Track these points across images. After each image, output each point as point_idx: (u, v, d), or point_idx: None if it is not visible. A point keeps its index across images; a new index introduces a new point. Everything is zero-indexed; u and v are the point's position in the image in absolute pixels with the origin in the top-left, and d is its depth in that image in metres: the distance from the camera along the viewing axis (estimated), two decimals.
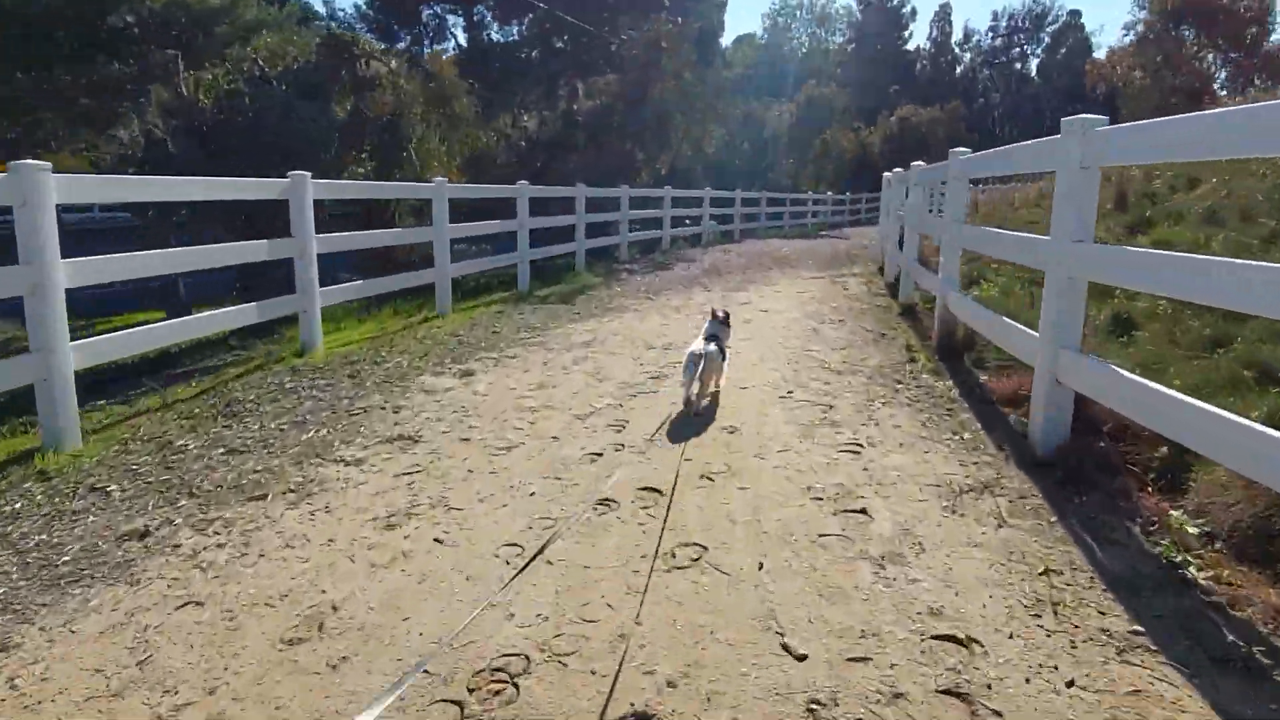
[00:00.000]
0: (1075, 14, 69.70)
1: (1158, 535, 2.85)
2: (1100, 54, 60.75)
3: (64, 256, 4.58)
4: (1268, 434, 2.28)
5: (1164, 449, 3.31)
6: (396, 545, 3.06)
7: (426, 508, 3.42)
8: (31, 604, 2.74)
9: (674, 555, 2.90)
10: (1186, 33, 45.14)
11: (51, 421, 4.35)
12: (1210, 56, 46.81)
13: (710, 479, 3.66)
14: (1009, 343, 4.30)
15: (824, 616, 2.46)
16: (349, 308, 11.40)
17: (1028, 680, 2.13)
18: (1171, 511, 2.93)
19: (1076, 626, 2.33)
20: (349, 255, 14.93)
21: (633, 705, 2.10)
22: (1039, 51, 71.57)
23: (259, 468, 4.00)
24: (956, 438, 4.09)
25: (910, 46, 70.51)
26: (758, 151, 37.11)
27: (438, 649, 2.36)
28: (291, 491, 3.66)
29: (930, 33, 72.01)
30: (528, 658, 2.31)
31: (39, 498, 3.72)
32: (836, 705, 2.07)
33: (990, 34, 72.82)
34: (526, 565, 2.80)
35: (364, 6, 30.81)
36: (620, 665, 2.24)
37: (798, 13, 66.37)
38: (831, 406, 4.80)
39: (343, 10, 30.57)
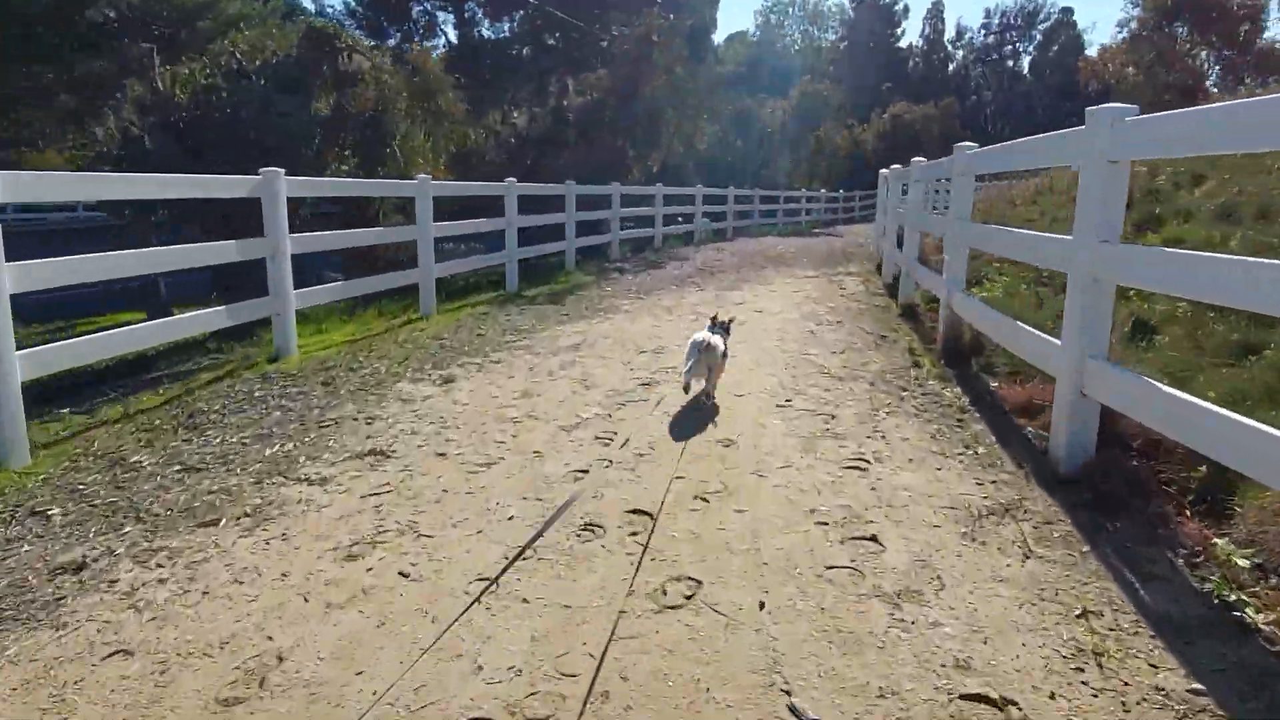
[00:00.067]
0: (1067, 11, 69.60)
1: (1204, 569, 2.56)
2: (1092, 51, 60.73)
3: (49, 255, 4.28)
4: None
5: (1203, 468, 3.02)
6: (357, 580, 2.75)
7: (394, 534, 3.11)
8: None
9: (664, 592, 2.60)
10: (1180, 29, 45.05)
11: None
12: (1203, 54, 46.74)
13: (705, 500, 3.36)
14: (1026, 350, 4.01)
15: (835, 670, 2.16)
16: (331, 309, 11.06)
17: None
18: (1216, 541, 2.64)
19: (1126, 684, 2.03)
20: (335, 255, 14.61)
21: None
22: (1031, 49, 71.44)
23: (215, 488, 3.68)
24: (970, 452, 3.80)
25: (903, 44, 70.30)
26: (751, 149, 36.80)
27: (392, 713, 2.05)
28: (247, 516, 3.35)
29: (923, 30, 71.83)
30: None
31: None
32: None
33: (983, 31, 72.68)
34: (463, 613, 2.50)
35: (353, 3, 30.39)
36: None
37: (790, 10, 66.08)
38: (833, 417, 4.51)
39: (331, 6, 30.06)
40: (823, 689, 2.08)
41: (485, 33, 31.18)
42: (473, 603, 2.56)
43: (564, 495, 3.45)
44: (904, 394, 4.94)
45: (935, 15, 71.03)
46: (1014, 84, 70.65)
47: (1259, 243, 5.50)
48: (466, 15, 30.71)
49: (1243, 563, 2.50)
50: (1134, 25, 45.84)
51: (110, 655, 2.37)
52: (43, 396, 6.99)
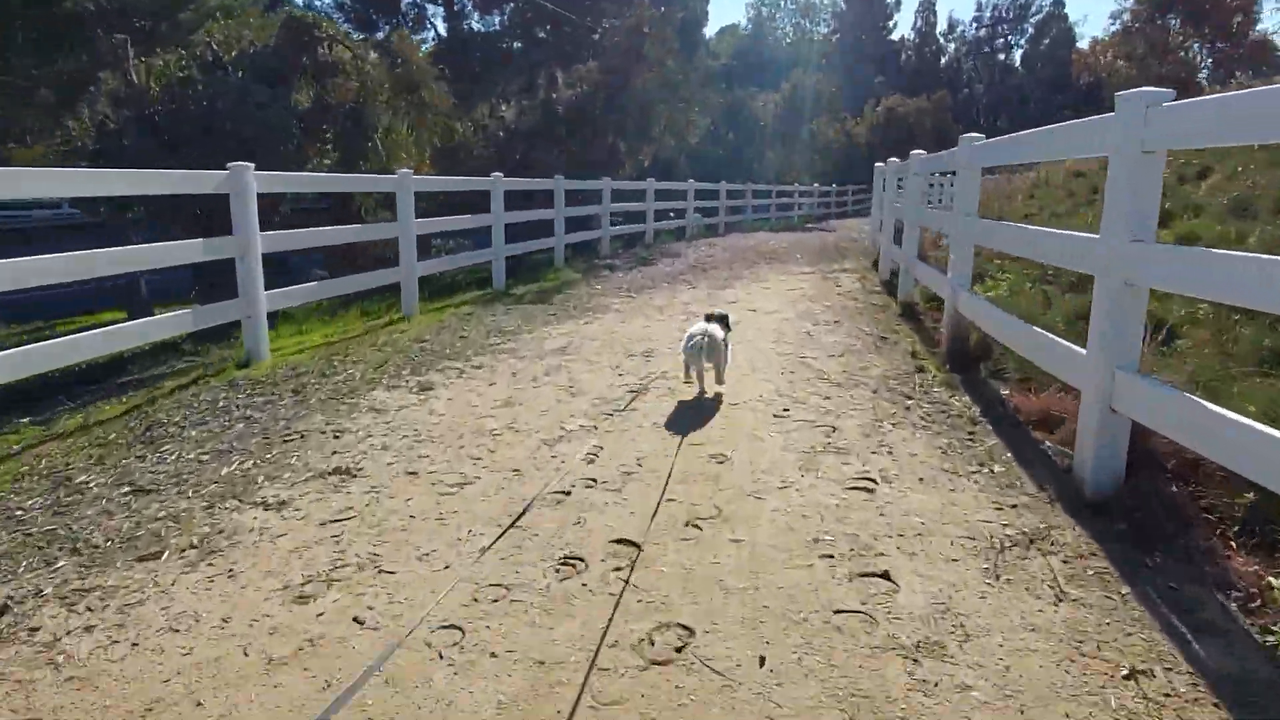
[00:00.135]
0: (1058, 4, 69.29)
1: (1261, 614, 2.27)
2: (1083, 44, 60.57)
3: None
4: None
5: (1250, 494, 2.73)
6: (305, 628, 2.44)
7: (352, 570, 2.80)
8: None
9: (651, 642, 2.30)
10: (1173, 21, 44.88)
11: None
12: (1195, 46, 46.60)
13: (697, 526, 3.06)
14: (1044, 358, 3.71)
15: None
16: (312, 309, 10.73)
17: None
18: (1273, 582, 2.34)
19: None
20: (319, 252, 14.23)
21: None
22: (1023, 42, 71.14)
23: (163, 514, 3.36)
24: (985, 471, 3.50)
25: (895, 37, 70.01)
26: (742, 142, 36.44)
27: None
28: (193, 547, 3.03)
29: (915, 23, 71.61)
30: None
31: None
32: None
33: (974, 24, 72.35)
34: (421, 672, 2.19)
35: None
36: None
37: (782, 2, 65.63)
38: (835, 428, 4.21)
39: (319, 0, 29.53)
40: None
41: (475, 26, 30.80)
42: (433, 657, 2.25)
43: (543, 521, 3.14)
44: (909, 402, 4.65)
45: (927, 8, 70.72)
46: (1006, 77, 70.41)
47: (1277, 238, 5.22)
48: (456, 8, 30.32)
49: None
50: (1127, 17, 45.65)
51: None
52: (6, 403, 6.67)
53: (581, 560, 2.81)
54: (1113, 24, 46.73)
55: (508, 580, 2.68)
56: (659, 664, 2.19)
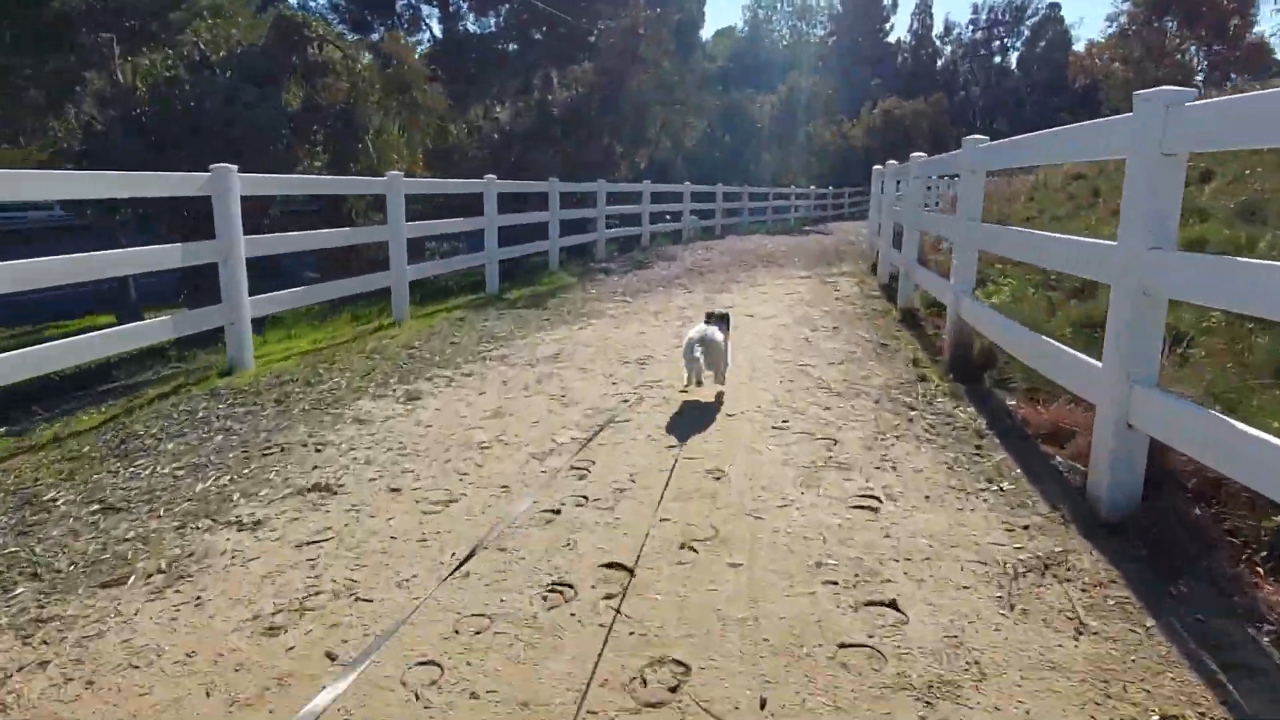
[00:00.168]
0: (1054, 7, 69.38)
1: None
2: (1079, 47, 60.57)
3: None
4: None
5: (1278, 517, 2.58)
6: (273, 664, 2.28)
7: (327, 598, 2.63)
8: None
9: (644, 681, 2.14)
10: (1169, 24, 44.86)
11: None
12: (1192, 48, 46.60)
13: (693, 549, 2.90)
14: (1056, 370, 3.55)
15: None
16: (302, 313, 10.55)
17: None
18: None
19: None
20: (313, 255, 14.04)
21: None
22: (1019, 45, 71.18)
23: (131, 534, 3.20)
24: (994, 489, 3.35)
25: (891, 39, 70.09)
26: (739, 145, 36.29)
27: None
28: (161, 572, 2.86)
29: (911, 25, 71.62)
30: None
31: None
32: None
33: (970, 27, 72.42)
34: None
35: None
36: None
37: (778, 4, 65.51)
38: (836, 441, 4.05)
39: (314, 0, 29.37)
40: None
41: (470, 27, 30.71)
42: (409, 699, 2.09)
43: (530, 543, 2.98)
44: (912, 414, 4.50)
45: (923, 10, 70.82)
46: (1002, 80, 70.48)
47: None
48: (451, 9, 30.21)
49: None
50: (1123, 20, 45.60)
51: None
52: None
53: (570, 587, 2.65)
54: (1109, 26, 46.62)
55: (491, 609, 2.53)
56: (652, 706, 2.04)
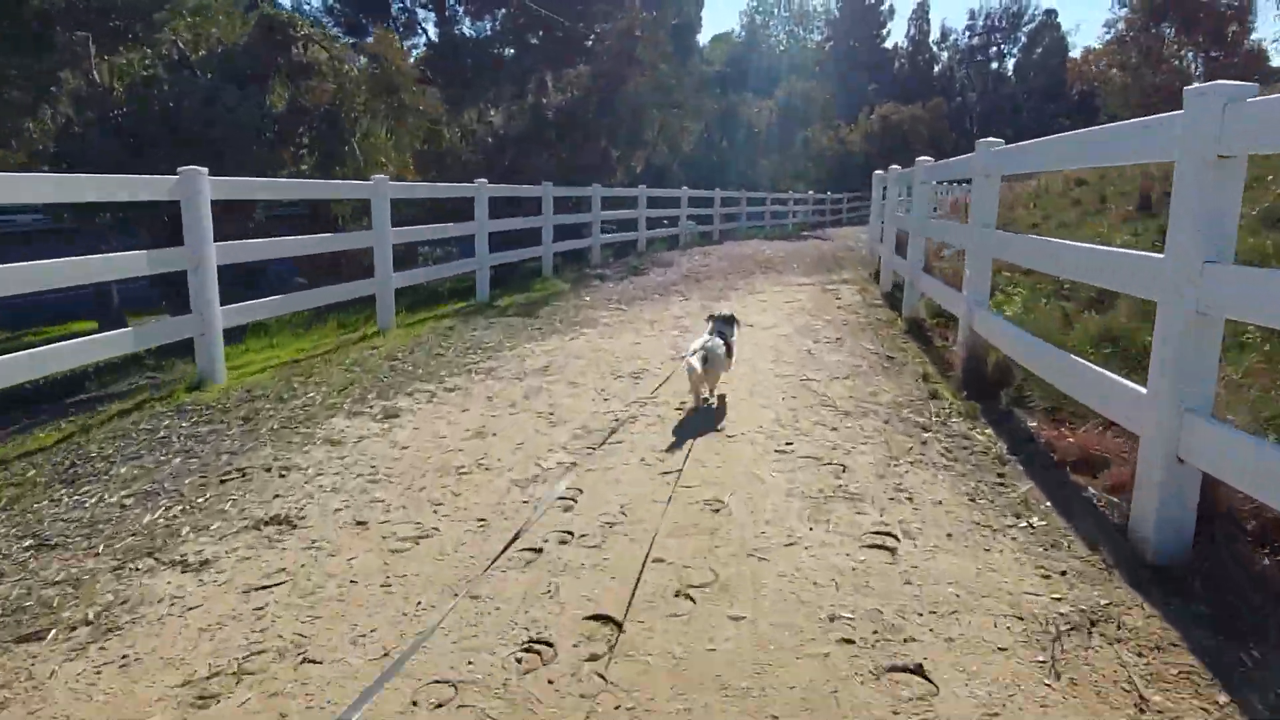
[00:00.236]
0: (1051, 13, 69.43)
1: None
2: (1075, 54, 60.50)
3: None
4: None
5: None
6: None
7: (271, 658, 2.30)
8: None
9: None
10: (1167, 30, 44.75)
11: None
12: (1189, 55, 46.50)
13: (690, 597, 2.58)
14: (1090, 394, 3.22)
15: None
16: (287, 320, 10.23)
17: None
18: None
19: None
20: (302, 261, 13.68)
21: None
22: (1016, 51, 71.18)
23: (62, 576, 2.86)
24: (1023, 525, 3.02)
25: (888, 45, 69.99)
26: (736, 149, 36.02)
27: None
28: (88, 623, 2.53)
29: (908, 31, 71.59)
30: None
31: None
32: None
33: (967, 33, 72.35)
34: None
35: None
36: None
37: (775, 10, 65.34)
38: (845, 468, 3.73)
39: (308, 4, 29.04)
40: None
41: (466, 31, 30.37)
42: None
43: (507, 589, 2.66)
44: (925, 435, 4.17)
45: (920, 16, 70.83)
46: (999, 86, 70.41)
47: None
48: (447, 13, 29.90)
49: None
50: (1121, 26, 45.45)
51: None
52: None
53: (550, 645, 2.33)
54: (1107, 32, 46.45)
55: (458, 674, 2.20)
56: None
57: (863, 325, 7.73)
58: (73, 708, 2.11)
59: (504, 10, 27.55)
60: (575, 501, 3.41)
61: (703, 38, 42.66)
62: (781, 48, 61.06)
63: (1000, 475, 3.54)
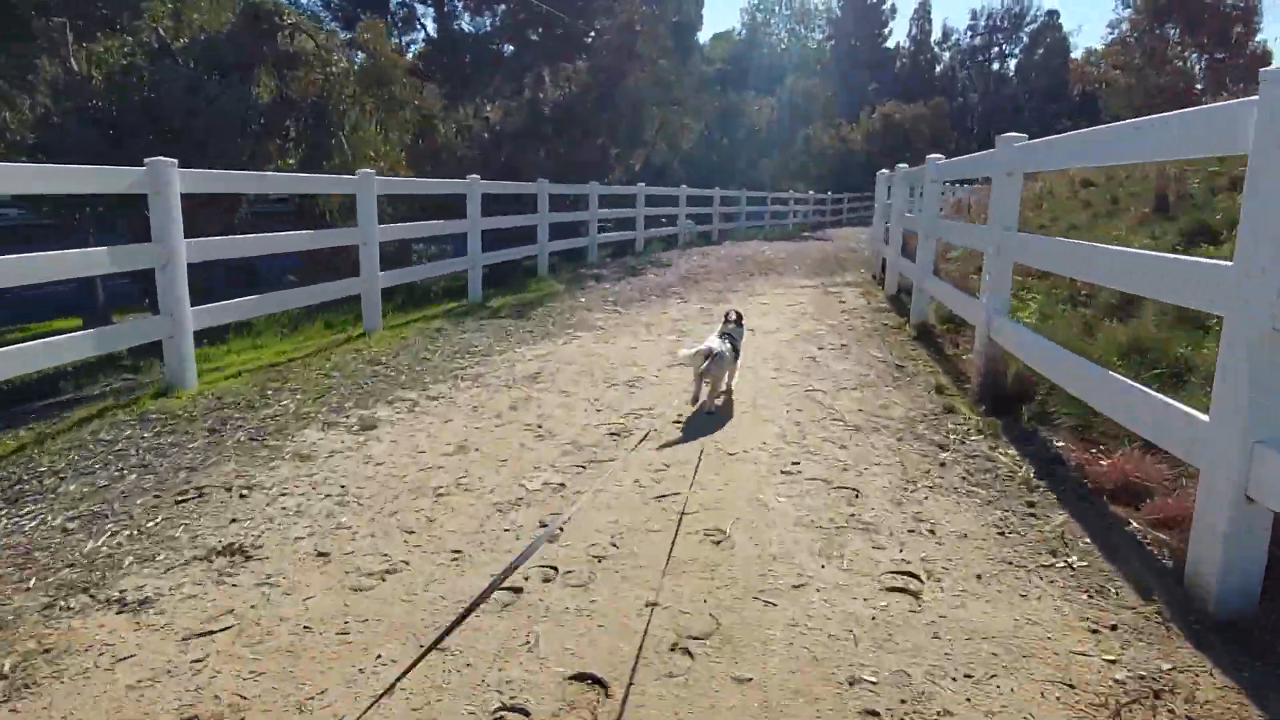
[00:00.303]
0: (1053, 14, 69.09)
1: None
2: (1077, 54, 60.21)
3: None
4: None
5: None
6: None
7: None
8: None
9: None
10: (1171, 31, 44.50)
11: None
12: (1194, 56, 46.27)
13: (688, 652, 2.26)
14: (1138, 420, 2.85)
15: None
16: (274, 319, 9.90)
17: None
18: None
19: None
20: (292, 257, 13.34)
21: None
22: (1017, 51, 70.85)
23: None
24: (1061, 565, 2.70)
25: (890, 44, 69.66)
26: (737, 148, 35.65)
27: None
28: (2, 678, 2.21)
29: (910, 30, 71.29)
30: None
31: None
32: None
33: (969, 33, 72.00)
34: None
35: None
36: None
37: (776, 8, 64.96)
38: (857, 493, 3.41)
39: None
40: None
41: (466, 26, 30.05)
42: None
43: (480, 640, 2.34)
44: (944, 455, 3.86)
45: (922, 16, 70.55)
46: (1000, 86, 70.11)
47: None
48: (446, 8, 29.58)
49: None
50: (1125, 26, 45.18)
51: None
52: None
53: (525, 715, 2.01)
54: (1110, 33, 46.20)
55: None
56: None
57: (869, 330, 7.41)
58: None
59: (504, 6, 27.22)
60: (561, 530, 3.09)
61: (703, 36, 42.32)
62: (782, 46, 60.72)
63: (1030, 504, 3.22)
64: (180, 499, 3.47)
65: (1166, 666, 2.10)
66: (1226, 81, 39.93)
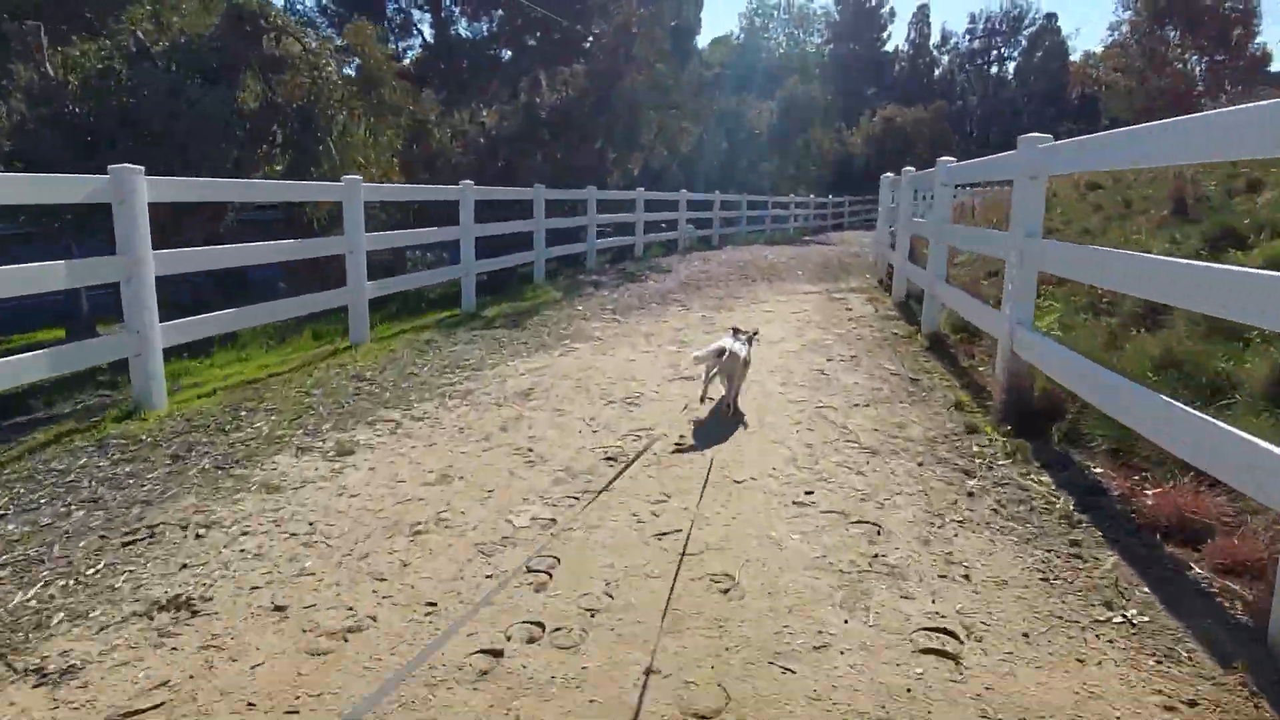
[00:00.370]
0: (1051, 17, 68.90)
1: None
2: (1075, 57, 60.05)
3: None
4: None
5: None
6: None
7: None
8: None
9: None
10: (1171, 33, 44.29)
11: None
12: (1193, 58, 46.06)
13: None
14: (1223, 466, 2.42)
15: None
16: (262, 330, 9.57)
17: None
18: None
19: None
20: (283, 266, 13.02)
21: None
22: (1016, 55, 70.61)
23: None
24: (1120, 621, 2.36)
25: (889, 48, 69.48)
26: (736, 152, 35.36)
27: None
28: None
29: (908, 34, 71.07)
30: None
31: None
32: None
33: (968, 36, 71.80)
34: None
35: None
36: None
37: (775, 12, 64.75)
38: (879, 529, 3.08)
39: (301, 4, 28.41)
40: None
41: (463, 32, 29.81)
42: None
43: (450, 717, 2.00)
44: (970, 483, 3.52)
45: (921, 19, 70.33)
46: (999, 90, 69.90)
47: None
48: (443, 14, 29.33)
49: None
50: (1125, 29, 44.98)
51: None
52: None
53: None
54: (1110, 35, 46.01)
55: None
56: None
57: (879, 340, 7.08)
58: None
59: (501, 11, 26.97)
60: (550, 576, 2.75)
61: (702, 40, 42.06)
62: (781, 50, 60.53)
63: (1074, 542, 2.88)
64: (128, 540, 3.14)
65: None
66: (1226, 84, 39.74)
